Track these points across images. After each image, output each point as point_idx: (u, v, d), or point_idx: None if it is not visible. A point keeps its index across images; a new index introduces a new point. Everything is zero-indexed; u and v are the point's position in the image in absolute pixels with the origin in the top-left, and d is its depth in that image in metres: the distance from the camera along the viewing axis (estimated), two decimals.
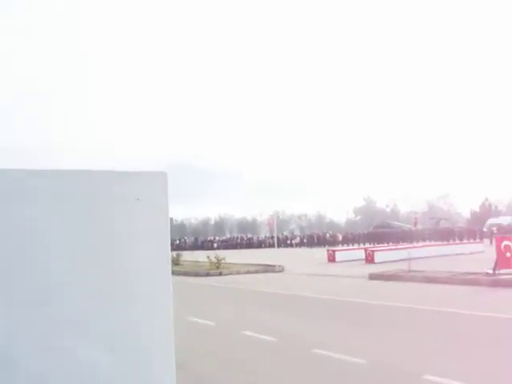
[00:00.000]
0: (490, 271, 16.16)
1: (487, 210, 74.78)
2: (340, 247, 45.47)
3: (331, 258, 30.33)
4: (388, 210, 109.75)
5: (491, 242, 23.88)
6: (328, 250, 32.88)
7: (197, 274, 23.41)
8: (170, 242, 2.38)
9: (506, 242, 16.68)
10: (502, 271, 16.02)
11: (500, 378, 5.94)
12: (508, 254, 16.33)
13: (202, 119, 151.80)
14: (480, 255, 27.47)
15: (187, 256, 33.51)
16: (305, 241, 64.97)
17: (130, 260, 2.06)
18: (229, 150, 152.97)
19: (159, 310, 2.15)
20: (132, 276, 2.07)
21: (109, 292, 1.97)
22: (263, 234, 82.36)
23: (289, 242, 66.07)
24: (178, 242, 68.09)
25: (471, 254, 30.10)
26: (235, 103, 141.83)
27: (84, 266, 1.93)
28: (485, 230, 53.02)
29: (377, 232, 63.72)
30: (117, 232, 2.03)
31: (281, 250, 50.85)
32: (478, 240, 42.89)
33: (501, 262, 16.19)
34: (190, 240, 71.95)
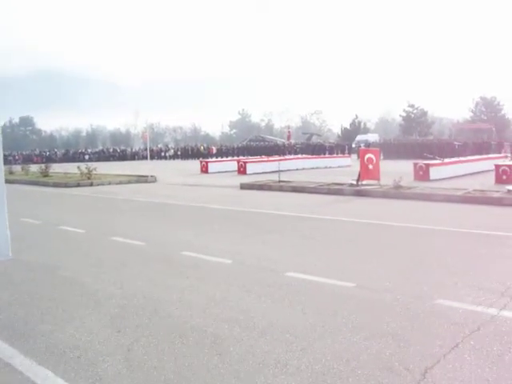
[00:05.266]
0: (354, 182, 16.85)
1: (357, 127, 78.24)
2: (214, 159, 45.48)
3: (204, 169, 30.22)
4: (263, 124, 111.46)
5: (358, 157, 24.99)
6: (201, 161, 32.67)
7: (67, 185, 22.32)
8: None
9: (368, 155, 17.36)
10: (364, 182, 16.77)
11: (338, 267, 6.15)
12: (370, 166, 17.04)
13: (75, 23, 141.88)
14: (347, 168, 28.84)
15: (57, 168, 32.03)
16: (179, 153, 64.39)
17: None
18: (104, 55, 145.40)
19: None
20: None
21: None
22: (137, 146, 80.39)
23: (163, 154, 65.13)
24: (47, 153, 64.63)
25: (339, 167, 31.51)
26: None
27: None
28: (353, 145, 55.66)
29: (250, 145, 64.58)
30: None
31: (154, 161, 49.98)
32: (346, 155, 44.90)
33: (364, 173, 16.90)
34: (60, 152, 68.20)
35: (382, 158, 17.76)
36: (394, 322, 4.60)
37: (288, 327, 4.55)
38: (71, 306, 5.42)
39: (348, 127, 79.94)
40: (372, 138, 61.12)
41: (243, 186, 19.15)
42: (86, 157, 61.55)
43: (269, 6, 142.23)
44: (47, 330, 4.72)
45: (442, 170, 20.46)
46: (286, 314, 4.92)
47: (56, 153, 66.94)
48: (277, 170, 20.43)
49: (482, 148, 40.60)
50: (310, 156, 38.62)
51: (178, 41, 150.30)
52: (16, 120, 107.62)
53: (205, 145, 68.71)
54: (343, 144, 57.43)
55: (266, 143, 65.79)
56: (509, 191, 13.74)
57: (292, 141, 63.94)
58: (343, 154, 46.57)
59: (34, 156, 62.12)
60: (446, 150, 35.84)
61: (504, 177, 17.62)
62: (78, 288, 6.10)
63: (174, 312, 5.07)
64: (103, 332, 4.60)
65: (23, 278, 6.64)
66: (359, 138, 63.54)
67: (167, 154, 64.95)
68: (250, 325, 4.64)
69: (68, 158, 62.01)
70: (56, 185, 23.04)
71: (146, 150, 59.77)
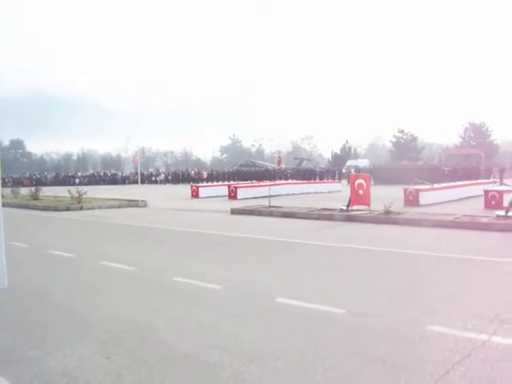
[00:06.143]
0: (344, 207, 16.89)
1: (347, 153, 78.84)
2: (205, 184, 45.49)
3: (195, 194, 30.19)
4: (254, 149, 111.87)
5: (349, 183, 25.11)
6: (192, 186, 32.65)
7: (57, 209, 22.22)
8: None
9: (359, 180, 17.43)
10: (354, 207, 16.81)
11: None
12: (361, 192, 17.11)
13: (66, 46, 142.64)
14: (338, 194, 28.90)
15: (47, 191, 31.95)
16: (170, 178, 64.37)
17: None
18: (95, 80, 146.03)
19: None
20: None
21: None
22: (128, 170, 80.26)
23: (154, 178, 65.08)
24: (38, 176, 64.39)
25: (329, 192, 31.53)
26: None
27: None
28: (344, 171, 56.03)
29: (241, 170, 64.70)
30: None
31: (145, 186, 49.88)
32: (336, 180, 45.02)
33: (354, 198, 16.95)
34: (50, 175, 67.88)
35: (372, 183, 17.85)
36: (384, 347, 4.60)
37: (279, 354, 4.53)
38: (60, 331, 5.36)
39: (338, 152, 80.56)
40: (362, 163, 61.56)
41: (234, 211, 19.13)
42: (77, 180, 61.32)
43: (259, 30, 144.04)
44: (35, 356, 4.66)
45: (432, 196, 20.56)
46: (277, 341, 4.90)
47: (46, 176, 66.63)
48: (267, 195, 20.47)
49: (471, 173, 40.88)
50: (300, 181, 38.69)
51: (169, 66, 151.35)
52: (6, 143, 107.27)
53: (195, 169, 68.73)
54: (333, 169, 57.66)
55: (257, 168, 65.95)
56: (498, 216, 13.84)
57: (282, 166, 64.18)
58: (333, 179, 46.64)
59: (23, 179, 61.81)
60: (435, 175, 36.06)
61: (493, 202, 17.75)
62: (67, 313, 6.05)
63: (165, 338, 5.03)
64: (93, 358, 4.55)
65: (11, 303, 6.56)
66: (350, 163, 63.98)
67: (158, 179, 64.87)
68: (241, 351, 4.62)
69: (58, 181, 61.65)
70: (46, 208, 22.90)
71: (136, 174, 59.60)
